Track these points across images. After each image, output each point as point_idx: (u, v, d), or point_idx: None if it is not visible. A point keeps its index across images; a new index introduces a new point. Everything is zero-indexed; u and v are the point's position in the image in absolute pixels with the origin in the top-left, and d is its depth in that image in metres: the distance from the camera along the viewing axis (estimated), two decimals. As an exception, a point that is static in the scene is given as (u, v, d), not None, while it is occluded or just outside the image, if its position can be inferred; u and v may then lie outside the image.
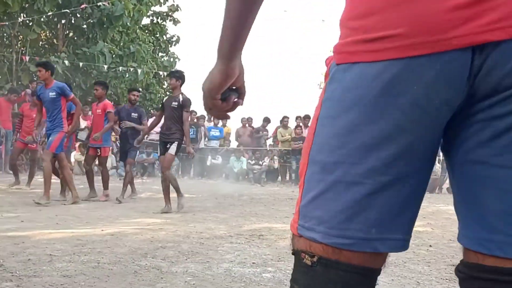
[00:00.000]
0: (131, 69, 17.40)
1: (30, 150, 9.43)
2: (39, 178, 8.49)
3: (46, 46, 18.70)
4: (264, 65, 71.12)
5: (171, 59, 21.21)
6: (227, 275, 2.91)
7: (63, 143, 6.67)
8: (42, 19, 16.18)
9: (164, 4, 20.51)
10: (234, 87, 1.11)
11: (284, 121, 13.56)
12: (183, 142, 6.33)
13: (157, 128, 12.95)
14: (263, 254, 3.55)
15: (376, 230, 0.88)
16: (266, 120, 14.45)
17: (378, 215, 0.87)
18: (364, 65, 0.86)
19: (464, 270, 0.90)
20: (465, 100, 0.83)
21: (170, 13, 21.51)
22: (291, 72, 69.92)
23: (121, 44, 18.49)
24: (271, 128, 14.36)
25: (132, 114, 7.69)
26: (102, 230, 4.33)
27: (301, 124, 13.33)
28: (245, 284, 2.74)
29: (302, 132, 13.06)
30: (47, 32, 18.36)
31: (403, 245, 0.92)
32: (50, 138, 6.50)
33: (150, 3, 18.81)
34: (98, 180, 7.65)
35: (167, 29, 21.99)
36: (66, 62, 15.58)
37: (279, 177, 13.47)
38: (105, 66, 16.32)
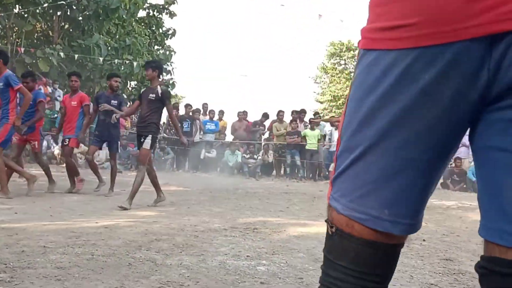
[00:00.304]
0: (127, 61, 17.32)
1: None
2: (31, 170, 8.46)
3: (42, 38, 18.57)
4: (261, 59, 70.98)
5: (167, 52, 21.11)
6: (221, 268, 2.91)
7: (10, 136, 6.30)
8: (37, 11, 16.08)
9: (160, -3, 20.44)
10: None
11: (279, 115, 13.55)
12: (159, 135, 6.06)
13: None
14: (258, 247, 3.55)
15: (389, 212, 0.95)
16: (265, 116, 14.42)
17: (390, 197, 0.94)
18: (381, 52, 0.90)
19: (484, 264, 0.87)
20: (486, 91, 0.83)
21: (166, 6, 21.40)
22: (287, 67, 69.87)
23: (117, 36, 18.41)
24: (267, 123, 14.34)
25: (112, 101, 7.33)
26: (96, 223, 4.32)
27: (296, 118, 13.34)
28: (239, 277, 2.74)
29: (297, 126, 13.05)
30: (43, 23, 18.23)
31: (413, 229, 0.98)
32: None
33: (146, -4, 18.73)
34: (91, 173, 7.63)
35: (163, 22, 21.89)
36: (62, 54, 15.50)
37: (274, 171, 13.48)
38: (101, 59, 16.24)
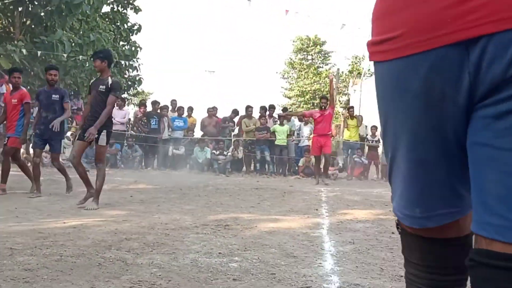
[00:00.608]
0: (91, 58, 16.96)
1: None
2: None
3: (3, 34, 17.98)
4: (227, 53, 70.78)
5: (133, 48, 20.79)
6: (193, 266, 2.91)
7: None
8: (-3, 6, 15.60)
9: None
10: None
11: (248, 111, 13.52)
12: (111, 129, 5.85)
13: (120, 119, 12.88)
14: (229, 244, 3.55)
15: (420, 210, 1.05)
16: (234, 112, 14.33)
17: (415, 197, 1.05)
18: (379, 64, 1.01)
19: (472, 257, 0.89)
20: (471, 94, 0.87)
21: (131, 1, 21.08)
22: (254, 62, 69.93)
23: (81, 32, 17.98)
24: (236, 119, 14.29)
25: (53, 96, 6.79)
26: (64, 223, 4.24)
27: (265, 114, 13.35)
28: (211, 274, 2.74)
29: (266, 122, 13.07)
30: (3, 20, 17.68)
31: (452, 217, 1.06)
32: None
33: (110, -10, 18.39)
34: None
35: (128, 17, 21.56)
36: (24, 51, 15.05)
37: (244, 167, 13.47)
38: (65, 55, 15.86)
